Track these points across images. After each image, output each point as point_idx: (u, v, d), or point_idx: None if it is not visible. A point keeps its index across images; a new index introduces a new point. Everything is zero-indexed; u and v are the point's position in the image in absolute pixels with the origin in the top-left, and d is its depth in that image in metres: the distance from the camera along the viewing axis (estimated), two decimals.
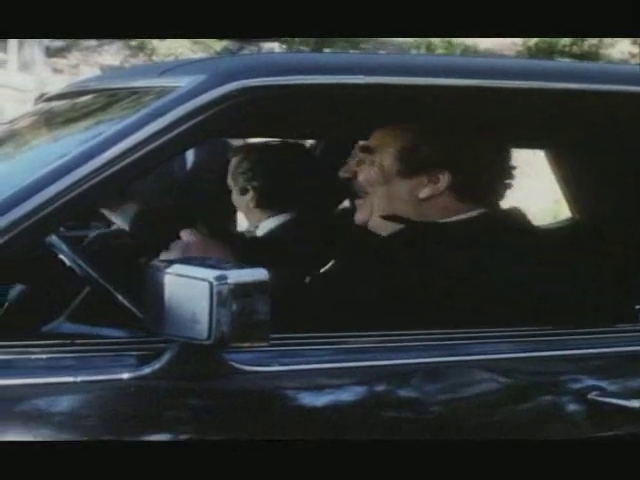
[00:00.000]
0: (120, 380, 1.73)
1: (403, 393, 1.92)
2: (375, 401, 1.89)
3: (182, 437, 1.75)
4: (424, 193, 2.23)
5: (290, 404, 1.85)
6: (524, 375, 2.00)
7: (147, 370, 1.74)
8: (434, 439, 1.85)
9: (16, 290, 2.47)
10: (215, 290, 1.64)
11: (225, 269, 1.66)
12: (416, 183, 2.24)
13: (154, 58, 13.14)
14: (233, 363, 1.78)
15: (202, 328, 1.65)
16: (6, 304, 2.44)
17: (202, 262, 1.72)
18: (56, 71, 12.97)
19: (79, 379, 1.72)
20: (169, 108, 1.87)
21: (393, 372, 1.91)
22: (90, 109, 2.28)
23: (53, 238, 2.05)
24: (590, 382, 2.01)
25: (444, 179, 2.23)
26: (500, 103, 2.23)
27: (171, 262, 1.72)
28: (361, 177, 2.28)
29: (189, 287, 1.67)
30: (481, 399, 1.95)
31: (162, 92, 1.96)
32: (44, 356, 1.74)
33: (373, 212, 2.26)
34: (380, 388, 1.90)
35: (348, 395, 1.87)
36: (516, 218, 2.28)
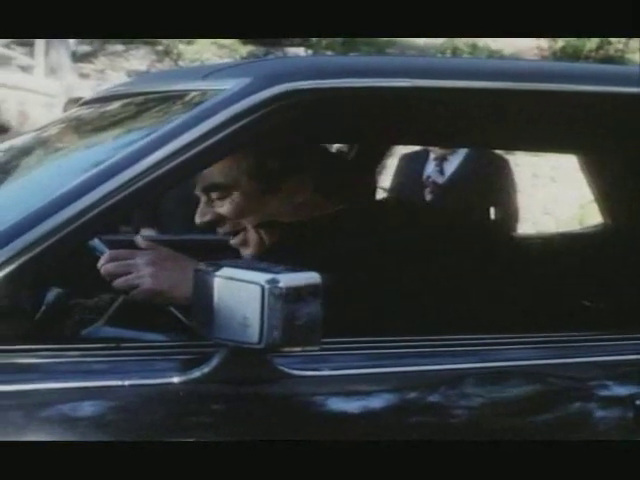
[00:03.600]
0: (169, 384, 1.72)
1: (440, 398, 1.90)
2: (425, 405, 1.87)
3: (230, 440, 1.72)
4: None
5: (339, 409, 1.82)
6: (571, 381, 1.98)
7: (196, 374, 1.72)
8: (462, 440, 1.83)
9: (54, 293, 2.46)
10: (267, 293, 1.62)
11: (277, 272, 1.65)
12: None
13: (180, 63, 13.14)
14: (282, 367, 1.77)
15: (253, 332, 1.64)
16: (43, 307, 2.43)
17: (252, 265, 1.71)
18: (83, 76, 12.98)
19: (127, 383, 1.70)
20: (215, 111, 1.86)
21: (441, 377, 1.89)
22: (132, 112, 2.27)
23: (96, 242, 2.05)
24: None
25: None
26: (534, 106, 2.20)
27: (220, 265, 1.70)
28: None
29: (240, 290, 1.65)
30: (519, 404, 1.92)
31: (207, 95, 1.95)
32: (89, 360, 1.73)
33: None
34: (431, 393, 1.88)
35: (396, 400, 1.86)
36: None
